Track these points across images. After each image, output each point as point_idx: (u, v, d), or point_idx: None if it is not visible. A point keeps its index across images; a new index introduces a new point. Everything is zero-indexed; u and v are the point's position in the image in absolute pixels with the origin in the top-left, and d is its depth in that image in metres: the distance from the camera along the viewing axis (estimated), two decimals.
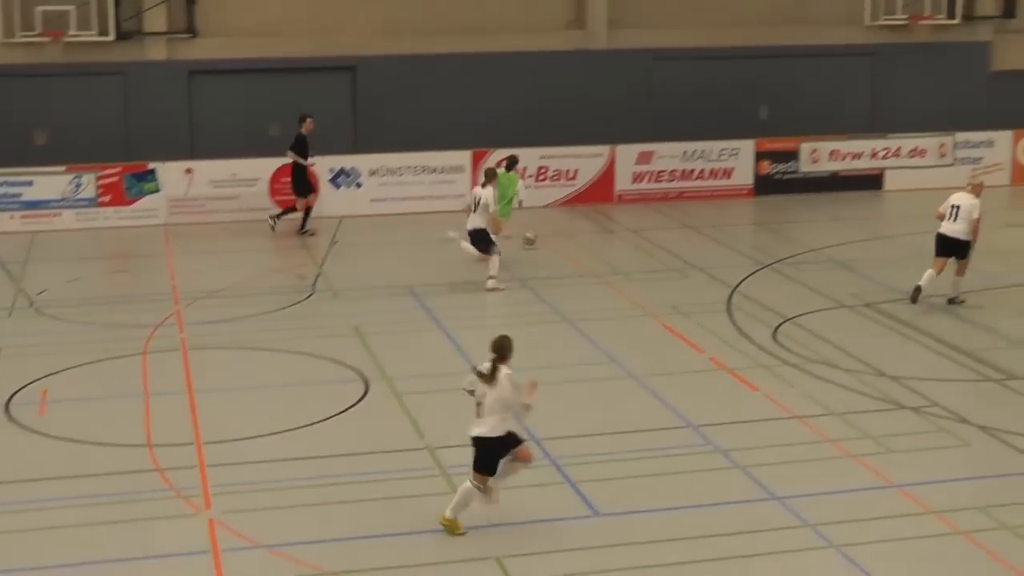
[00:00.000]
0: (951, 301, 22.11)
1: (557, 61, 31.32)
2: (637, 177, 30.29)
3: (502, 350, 13.84)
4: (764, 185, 30.98)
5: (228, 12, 29.96)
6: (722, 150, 30.70)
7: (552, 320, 21.33)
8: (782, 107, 32.31)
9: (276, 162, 28.73)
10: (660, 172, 30.60)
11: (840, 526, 13.78)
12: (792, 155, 31.20)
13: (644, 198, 30.36)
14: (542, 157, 30.01)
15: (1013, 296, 22.72)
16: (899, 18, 32.59)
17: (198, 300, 22.60)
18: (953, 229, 21.86)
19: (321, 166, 28.91)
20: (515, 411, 13.79)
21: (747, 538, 13.62)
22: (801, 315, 21.44)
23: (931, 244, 22.25)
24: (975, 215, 21.75)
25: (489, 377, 13.65)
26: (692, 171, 30.74)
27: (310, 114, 27.58)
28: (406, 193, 29.21)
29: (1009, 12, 33.41)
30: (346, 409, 17.28)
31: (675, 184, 30.58)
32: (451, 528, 13.73)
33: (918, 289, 21.87)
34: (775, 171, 31.04)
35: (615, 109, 31.47)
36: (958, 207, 21.94)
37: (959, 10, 32.84)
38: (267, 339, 20.31)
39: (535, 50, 31.18)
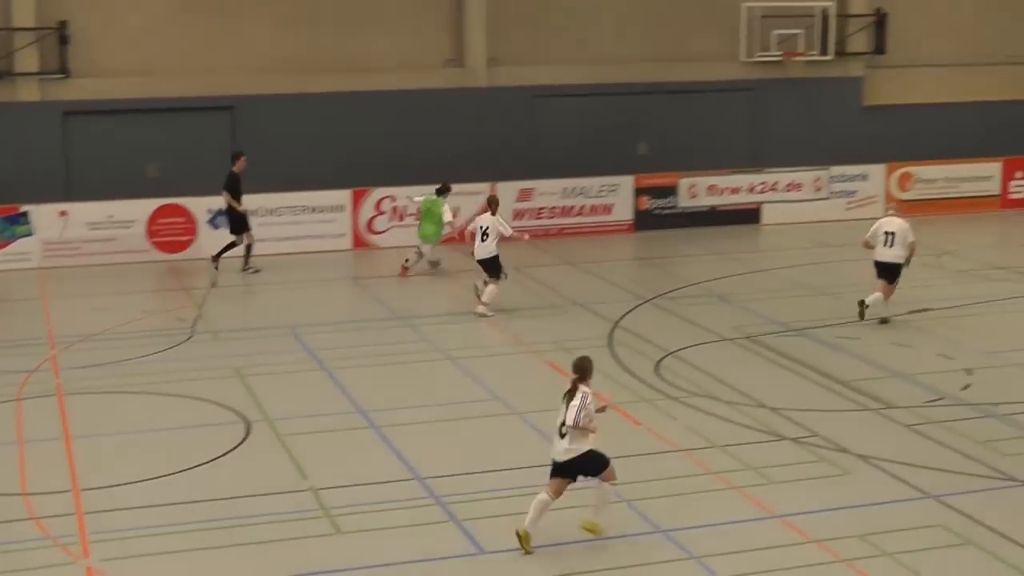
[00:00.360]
0: (884, 320, 23.04)
1: (437, 99, 31.32)
2: (518, 214, 30.33)
3: (583, 370, 14.25)
4: (644, 220, 31.18)
5: (102, 52, 29.59)
6: (602, 186, 30.87)
7: (434, 358, 21.24)
8: (661, 143, 32.57)
9: (153, 203, 28.40)
10: (540, 209, 30.68)
11: (724, 557, 13.81)
12: (671, 190, 31.45)
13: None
14: (422, 195, 29.88)
15: (888, 327, 23.00)
16: (774, 55, 33.03)
17: (74, 344, 22.20)
18: (891, 254, 22.83)
19: (199, 207, 28.63)
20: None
21: (634, 572, 13.61)
22: (682, 349, 21.53)
23: (807, 276, 22.50)
24: (911, 238, 22.76)
25: (569, 396, 14.04)
26: (572, 207, 30.86)
27: (243, 152, 27.51)
28: (286, 233, 29.01)
29: (880, 48, 33.98)
30: (227, 452, 17.03)
31: (556, 221, 30.68)
32: (594, 528, 14.25)
33: (884, 320, 22.96)
34: (655, 206, 31.25)
35: (495, 147, 31.52)
36: (892, 233, 22.86)
37: (832, 46, 33.35)
38: (145, 383, 19.99)
39: (415, 88, 31.15)
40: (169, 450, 17.08)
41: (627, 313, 23.88)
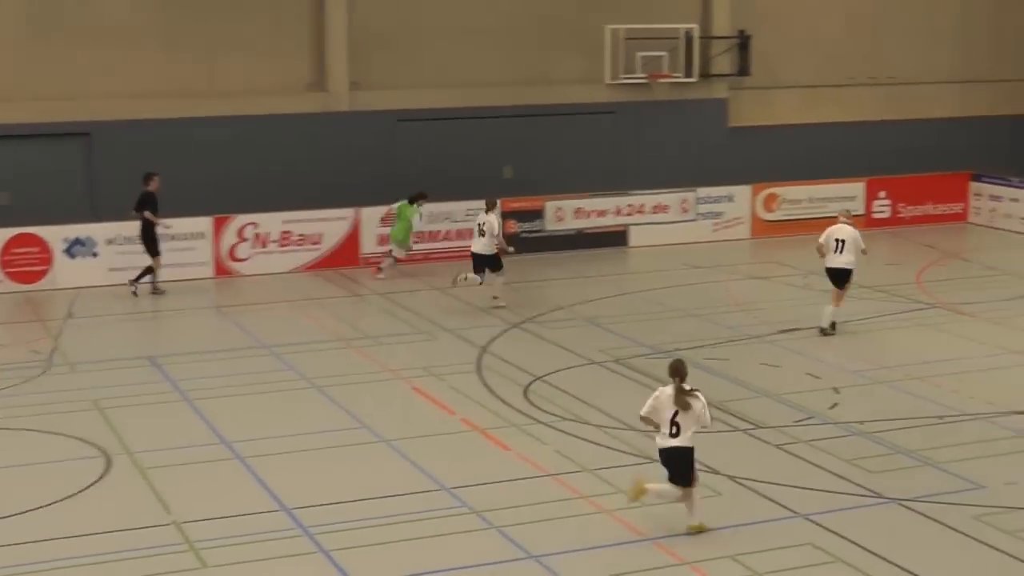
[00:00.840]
0: (824, 332, 23.62)
1: (299, 124, 30.93)
2: (383, 239, 30.02)
3: (681, 372, 15.02)
4: (511, 244, 30.95)
5: None
6: (467, 210, 30.66)
7: (300, 387, 20.87)
8: (527, 166, 32.48)
9: (6, 232, 27.65)
10: None
11: None
12: (538, 214, 31.34)
13: None
14: (285, 222, 29.53)
15: (756, 347, 23.08)
16: (638, 77, 33.12)
17: None
18: (841, 261, 23.58)
19: (55, 236, 27.92)
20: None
21: None
22: (551, 373, 21.41)
23: (675, 298, 22.59)
24: (862, 245, 23.62)
25: (682, 400, 14.85)
26: (438, 232, 30.60)
27: (156, 172, 27.08)
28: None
29: (744, 70, 34.25)
30: (87, 487, 16.52)
31: (421, 245, 30.39)
32: (700, 529, 14.92)
33: (832, 325, 23.53)
34: (521, 230, 31.11)
35: (359, 171, 31.20)
36: (843, 240, 23.63)
37: (696, 68, 33.53)
38: None
39: (276, 113, 30.74)
40: (25, 487, 16.51)
41: (495, 338, 23.71)
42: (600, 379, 21.29)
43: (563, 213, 31.50)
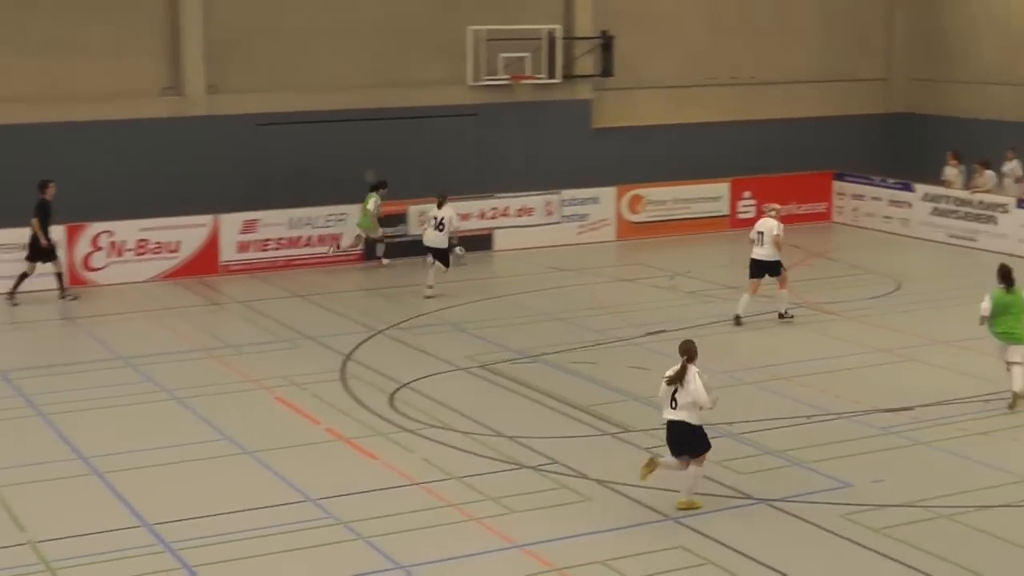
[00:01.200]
0: (781, 316, 24.61)
1: (155, 128, 30.24)
2: (242, 246, 29.46)
3: (691, 352, 15.72)
4: (374, 250, 30.62)
5: None
6: (329, 215, 30.19)
7: (159, 399, 20.34)
8: (389, 170, 32.08)
9: None
10: (266, 240, 29.83)
11: None
12: (401, 218, 30.96)
13: (251, 268, 29.53)
14: (142, 229, 28.82)
15: (624, 350, 22.99)
16: (501, 78, 32.93)
17: None
18: (762, 252, 24.48)
19: None
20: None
21: None
22: (417, 380, 21.13)
23: (541, 301, 22.58)
24: (776, 231, 24.35)
25: (678, 378, 15.51)
26: (299, 238, 30.10)
27: (51, 179, 26.43)
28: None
29: (607, 70, 34.23)
30: None
31: (282, 252, 29.87)
32: (689, 506, 15.63)
33: (737, 317, 24.20)
34: (384, 235, 30.71)
35: (217, 177, 30.59)
36: (763, 232, 24.55)
37: (559, 69, 33.42)
38: None
39: (130, 118, 30.02)
40: None
41: (359, 345, 23.34)
42: (466, 385, 21.06)
43: (427, 217, 31.13)
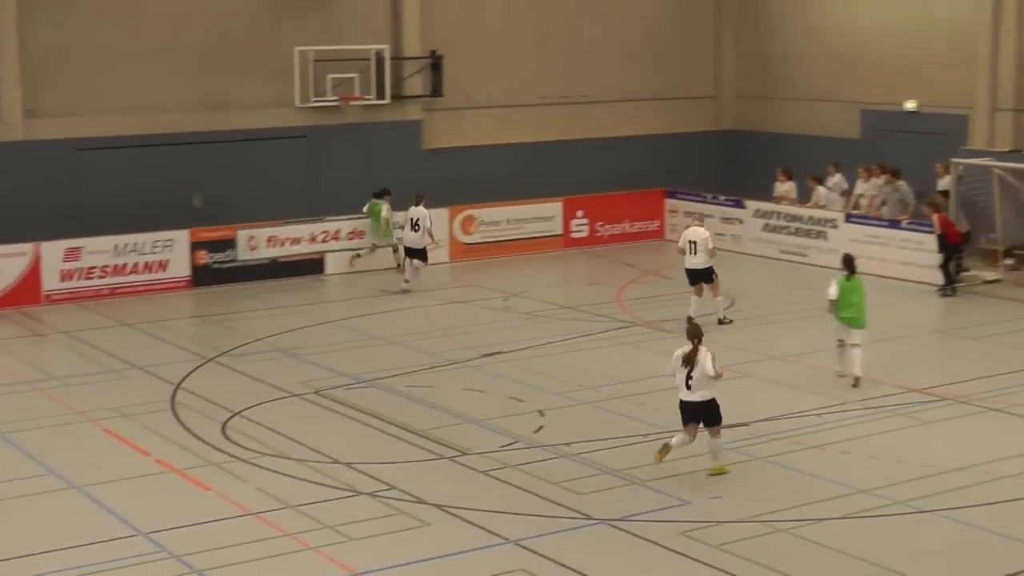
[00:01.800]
0: (721, 321, 25.27)
1: None
2: (66, 275, 28.63)
3: (699, 335, 17.39)
4: (202, 276, 30.00)
5: None
6: (155, 242, 29.51)
7: None
8: (217, 194, 31.55)
9: None
10: (91, 268, 29.01)
11: None
12: (229, 243, 30.38)
13: (75, 297, 28.72)
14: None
15: (459, 373, 22.81)
16: (330, 100, 32.57)
17: None
18: (695, 261, 25.28)
19: None
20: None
21: None
22: (250, 408, 20.70)
23: (374, 325, 22.63)
24: (711, 245, 25.28)
25: (691, 359, 17.19)
26: (125, 266, 29.35)
27: None
28: None
29: (437, 91, 34.08)
30: None
31: (108, 280, 29.09)
32: (720, 471, 17.37)
33: (689, 318, 24.47)
34: (213, 261, 30.14)
35: (37, 204, 29.76)
36: (695, 242, 25.36)
37: (388, 90, 33.17)
38: None
39: None
40: None
41: (189, 374, 22.81)
42: (301, 412, 20.68)
43: (256, 242, 30.64)
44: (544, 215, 34.03)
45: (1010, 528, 15.54)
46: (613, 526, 15.77)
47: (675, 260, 32.74)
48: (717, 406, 17.37)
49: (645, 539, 15.36)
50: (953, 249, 28.66)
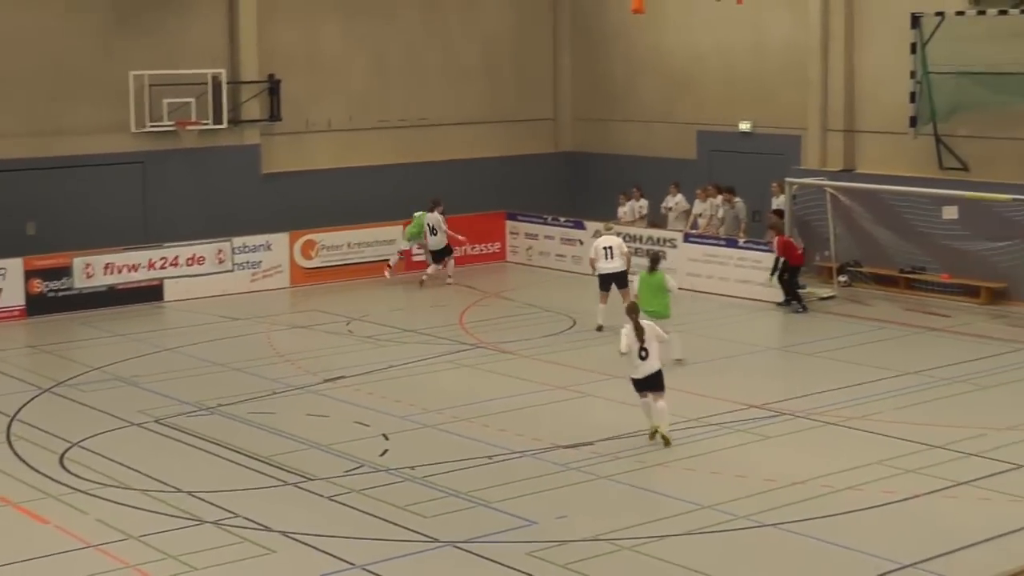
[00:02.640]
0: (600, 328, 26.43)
1: None
2: None
3: (635, 310, 19.61)
4: (37, 305, 29.38)
5: None
6: None
7: None
8: (51, 221, 30.94)
9: None
10: None
11: None
12: (65, 271, 29.79)
13: None
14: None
15: (302, 398, 22.64)
16: (166, 124, 32.14)
17: None
18: (613, 266, 26.54)
19: None
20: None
21: None
22: (89, 438, 20.28)
23: (215, 352, 22.44)
24: (625, 250, 26.88)
25: (640, 332, 19.21)
26: None
27: None
28: None
29: (275, 115, 33.84)
30: None
31: None
32: (667, 438, 19.37)
33: (600, 327, 26.20)
34: (48, 289, 29.55)
35: None
36: (611, 247, 26.81)
37: (226, 114, 32.84)
38: None
39: None
40: None
41: (25, 405, 22.31)
42: (142, 441, 20.32)
43: (92, 269, 30.10)
44: (386, 238, 33.94)
45: (849, 539, 15.81)
46: (460, 548, 15.72)
47: (517, 281, 33.08)
48: (663, 374, 19.47)
49: (492, 560, 15.34)
50: (796, 271, 29.19)
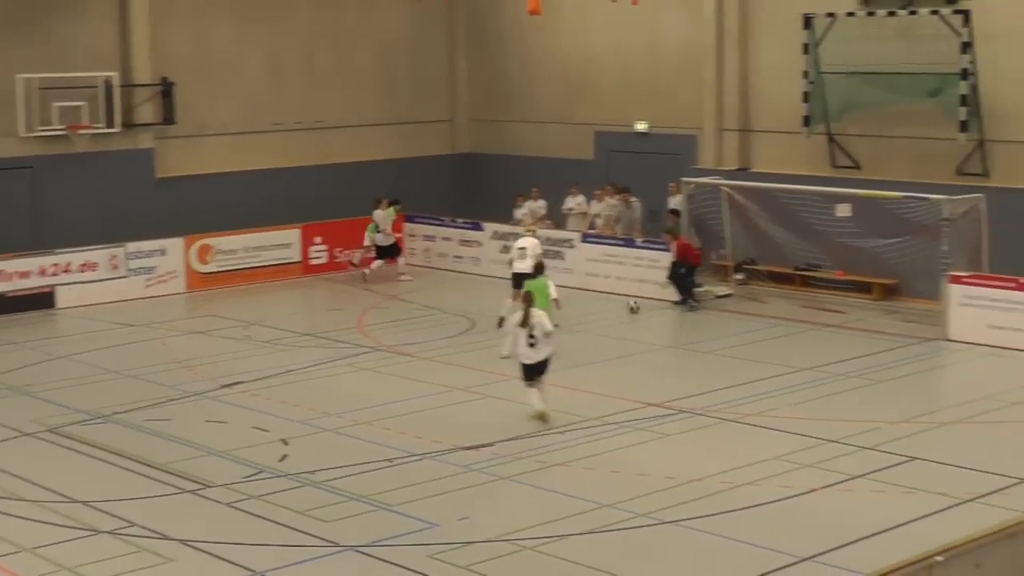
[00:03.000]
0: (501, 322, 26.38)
1: None
2: None
3: (529, 299, 20.94)
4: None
5: None
6: None
7: None
8: None
9: None
10: None
11: None
12: None
13: None
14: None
15: (200, 404, 22.40)
16: (56, 128, 31.67)
17: None
18: (524, 265, 26.53)
19: None
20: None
21: None
22: None
23: (110, 359, 22.60)
24: (539, 251, 27.24)
25: (526, 320, 20.49)
26: None
27: None
28: None
29: (169, 119, 33.46)
30: None
31: None
32: (544, 416, 20.57)
33: (501, 319, 26.11)
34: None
35: None
36: (525, 248, 27.33)
37: (118, 118, 32.42)
38: None
39: None
40: None
41: None
42: (34, 451, 19.99)
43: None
44: (282, 242, 33.74)
45: (747, 535, 15.93)
46: (361, 552, 15.64)
47: (415, 284, 32.98)
48: (548, 363, 20.67)
49: (394, 564, 15.27)
50: (693, 270, 29.40)
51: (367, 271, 32.84)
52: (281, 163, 35.67)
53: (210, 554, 15.63)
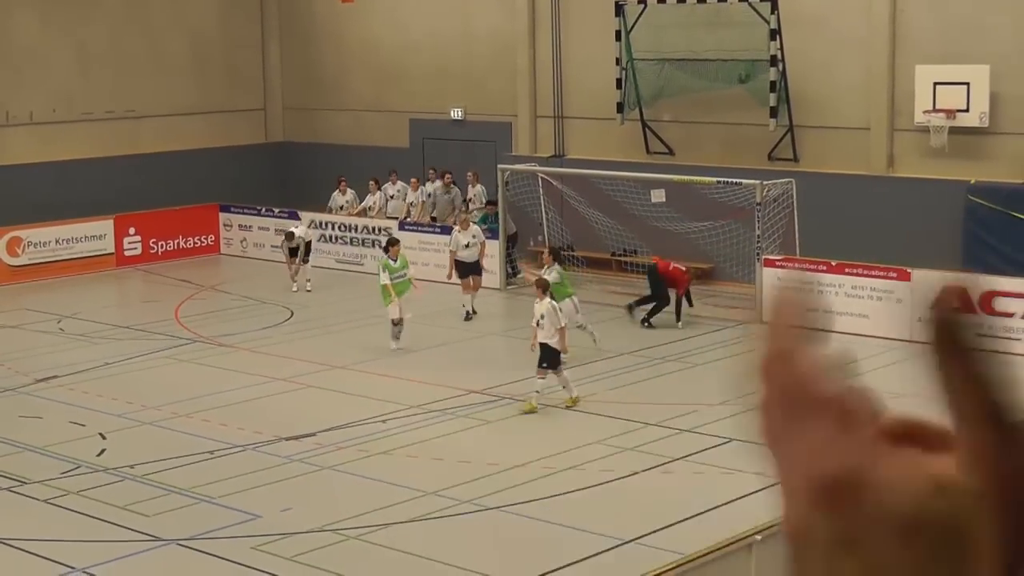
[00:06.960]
0: (469, 316, 27.35)
1: None
2: None
3: (543, 285, 21.70)
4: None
5: None
6: None
7: None
8: None
9: None
10: None
11: None
12: None
13: None
14: None
15: (13, 399, 21.94)
16: None
17: None
18: (468, 254, 27.80)
19: None
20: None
21: None
22: None
23: None
24: (483, 239, 28.26)
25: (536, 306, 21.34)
26: None
27: None
28: None
29: None
30: None
31: None
32: (575, 401, 20.88)
33: (468, 313, 27.28)
34: None
35: None
36: (475, 236, 28.11)
37: None
38: None
39: None
40: None
41: None
42: None
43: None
44: (95, 233, 33.13)
45: (571, 519, 16.14)
46: (184, 546, 15.53)
47: (232, 274, 32.66)
48: (549, 349, 20.93)
49: (217, 556, 15.21)
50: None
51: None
52: (92, 153, 34.97)
53: (28, 552, 15.41)
